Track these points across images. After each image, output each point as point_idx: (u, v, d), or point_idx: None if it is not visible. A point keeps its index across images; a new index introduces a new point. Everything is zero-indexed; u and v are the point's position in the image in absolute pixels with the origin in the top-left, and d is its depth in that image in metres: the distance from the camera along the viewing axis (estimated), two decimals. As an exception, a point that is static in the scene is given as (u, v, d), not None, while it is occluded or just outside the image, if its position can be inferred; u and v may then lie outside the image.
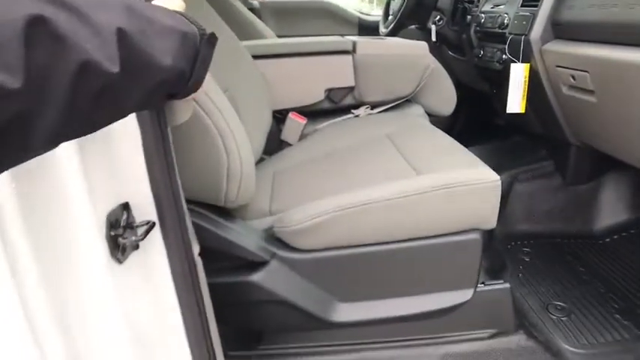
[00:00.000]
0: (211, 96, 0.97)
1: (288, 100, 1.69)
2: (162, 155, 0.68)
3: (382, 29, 2.37)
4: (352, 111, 1.77)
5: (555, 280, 1.49)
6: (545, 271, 1.53)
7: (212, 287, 1.08)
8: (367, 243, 1.11)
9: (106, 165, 0.63)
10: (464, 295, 1.19)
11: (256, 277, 1.08)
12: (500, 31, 1.64)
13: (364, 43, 1.74)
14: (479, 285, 1.22)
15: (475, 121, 2.35)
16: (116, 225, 0.64)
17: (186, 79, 0.47)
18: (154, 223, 0.68)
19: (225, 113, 0.98)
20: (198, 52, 0.48)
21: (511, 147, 1.99)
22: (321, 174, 1.32)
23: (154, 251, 0.71)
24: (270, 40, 2.13)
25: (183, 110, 0.68)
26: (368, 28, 2.81)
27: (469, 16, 1.97)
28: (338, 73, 1.71)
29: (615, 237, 1.69)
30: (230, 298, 1.09)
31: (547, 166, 1.80)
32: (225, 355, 1.20)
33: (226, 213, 1.09)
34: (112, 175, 0.64)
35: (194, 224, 1.01)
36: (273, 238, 1.12)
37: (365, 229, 1.10)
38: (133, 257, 0.67)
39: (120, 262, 0.64)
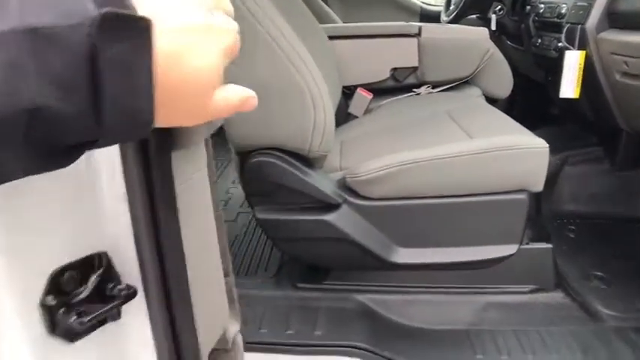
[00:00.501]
0: (300, 53, 1.17)
1: (356, 78, 1.88)
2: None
3: (444, 17, 2.51)
4: (414, 89, 1.94)
5: (598, 254, 1.59)
6: (589, 247, 1.64)
7: (292, 223, 1.29)
8: (426, 195, 1.29)
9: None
10: (509, 250, 1.34)
11: (330, 216, 1.28)
12: (558, 20, 1.76)
13: (429, 27, 1.91)
14: (523, 244, 1.37)
15: (530, 109, 2.45)
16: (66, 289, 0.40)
17: (75, 112, 0.25)
18: (134, 292, 0.44)
19: (312, 71, 1.18)
20: (94, 54, 0.24)
21: (563, 133, 2.10)
22: (385, 138, 1.50)
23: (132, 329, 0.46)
24: (344, 24, 2.32)
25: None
26: (429, 17, 2.95)
27: (528, 6, 2.08)
28: (403, 54, 1.88)
29: (660, 222, 1.78)
30: (306, 234, 1.29)
31: (597, 151, 1.90)
32: (295, 286, 1.42)
33: (308, 163, 1.29)
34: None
35: (281, 167, 1.22)
36: (344, 186, 1.31)
37: (425, 182, 1.27)
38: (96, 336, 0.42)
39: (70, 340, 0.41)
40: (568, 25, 1.67)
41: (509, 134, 1.35)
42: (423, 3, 3.03)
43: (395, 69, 1.91)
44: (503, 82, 1.98)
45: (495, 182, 1.28)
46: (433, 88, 1.95)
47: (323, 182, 1.28)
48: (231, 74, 1.24)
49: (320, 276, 1.42)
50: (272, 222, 1.29)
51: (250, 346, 1.21)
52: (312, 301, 1.36)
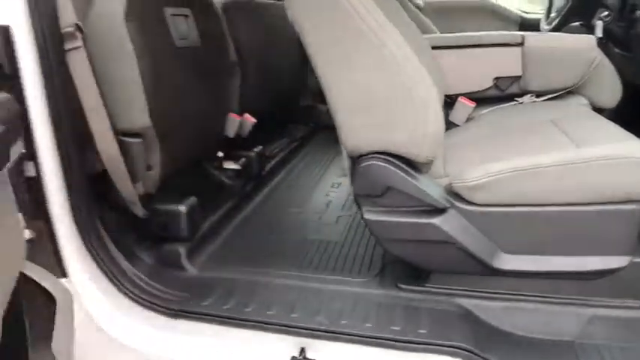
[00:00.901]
0: (412, 60, 1.24)
1: (458, 87, 1.91)
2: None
3: (544, 26, 2.47)
4: (516, 99, 1.94)
5: None
6: None
7: (400, 225, 1.35)
8: (532, 203, 1.30)
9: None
10: (619, 262, 1.31)
11: (436, 220, 1.32)
12: (674, 26, 1.69)
13: (533, 36, 1.90)
14: (635, 257, 1.33)
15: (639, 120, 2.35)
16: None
17: None
18: None
19: (425, 77, 1.24)
20: None
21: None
22: (490, 145, 1.52)
23: None
24: (446, 35, 2.36)
25: None
26: (529, 26, 2.90)
27: (638, 11, 2.01)
28: (506, 63, 1.89)
29: None
30: (412, 236, 1.35)
31: None
32: (398, 287, 1.47)
33: (416, 167, 1.35)
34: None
35: (392, 171, 1.29)
36: (450, 191, 1.35)
37: (532, 190, 1.28)
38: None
39: None
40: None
41: (618, 143, 1.33)
42: (523, 12, 2.99)
43: (497, 78, 1.92)
44: (610, 91, 1.93)
45: (605, 192, 1.27)
46: (537, 97, 1.93)
47: (431, 187, 1.33)
48: (347, 81, 1.36)
49: (422, 278, 1.46)
50: (379, 223, 1.36)
51: (356, 338, 1.29)
52: (414, 302, 1.41)
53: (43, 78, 1.25)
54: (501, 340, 1.31)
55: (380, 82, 1.26)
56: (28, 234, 1.36)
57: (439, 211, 1.33)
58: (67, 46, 1.34)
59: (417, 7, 2.94)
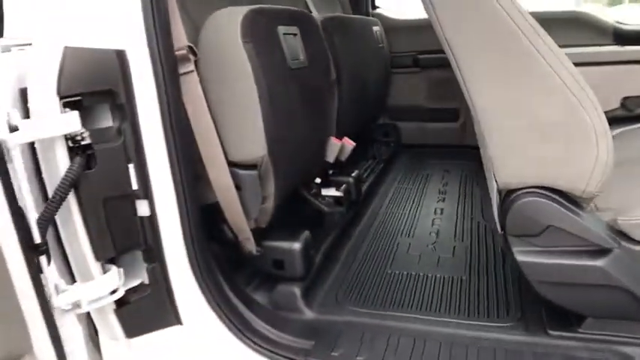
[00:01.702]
0: (580, 82, 1.11)
1: None
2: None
3: None
4: None
5: None
6: None
7: (558, 267, 1.22)
8: None
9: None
10: None
11: (601, 262, 1.18)
12: None
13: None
14: None
15: None
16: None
17: None
18: None
19: (594, 101, 1.11)
20: None
21: None
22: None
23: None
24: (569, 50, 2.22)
25: None
26: (624, 37, 2.72)
27: None
28: (636, 81, 1.74)
29: None
30: (572, 279, 1.21)
31: None
32: (547, 333, 1.34)
33: (576, 203, 1.22)
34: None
35: (553, 208, 1.16)
36: (614, 228, 1.21)
37: None
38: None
39: None
40: None
41: None
42: (617, 22, 2.81)
43: (626, 98, 1.77)
44: None
45: None
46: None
47: (595, 224, 1.20)
48: (503, 100, 1.18)
49: (573, 323, 1.32)
50: (535, 265, 1.23)
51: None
52: (570, 350, 1.27)
53: (159, 106, 1.15)
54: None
55: (548, 109, 1.13)
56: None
57: (604, 251, 1.20)
58: (181, 70, 1.27)
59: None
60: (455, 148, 2.95)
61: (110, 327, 1.32)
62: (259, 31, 1.44)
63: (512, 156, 1.19)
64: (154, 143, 1.18)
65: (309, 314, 1.49)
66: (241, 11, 1.38)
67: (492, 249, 1.79)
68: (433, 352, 1.28)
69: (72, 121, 1.07)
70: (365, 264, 1.76)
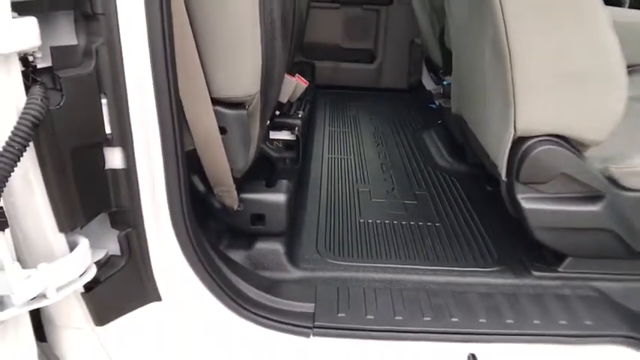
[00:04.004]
0: (612, 36, 1.11)
1: None
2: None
3: None
4: None
5: None
6: None
7: (559, 213, 1.25)
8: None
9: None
10: None
11: (598, 207, 1.25)
12: None
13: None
14: None
15: None
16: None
17: None
18: None
19: (621, 56, 1.12)
20: None
21: None
22: None
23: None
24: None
25: None
26: None
27: None
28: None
29: None
30: (570, 224, 1.27)
31: None
32: (532, 275, 1.39)
33: (580, 152, 1.24)
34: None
35: (568, 156, 1.17)
36: (605, 175, 1.27)
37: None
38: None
39: None
40: None
41: None
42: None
43: None
44: None
45: None
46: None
47: (596, 172, 1.24)
48: (544, 48, 1.10)
49: (552, 263, 1.39)
50: (539, 212, 1.25)
51: (529, 338, 1.19)
52: (555, 289, 1.33)
53: (146, 17, 0.88)
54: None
55: (579, 58, 1.11)
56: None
57: (598, 197, 1.25)
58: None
59: None
60: (372, 91, 2.91)
61: (71, 316, 1.05)
62: None
63: (537, 102, 1.16)
64: (137, 69, 0.90)
65: (295, 273, 1.35)
66: None
67: (457, 195, 1.82)
68: (437, 298, 1.25)
69: (28, 32, 0.74)
70: (333, 214, 1.65)
